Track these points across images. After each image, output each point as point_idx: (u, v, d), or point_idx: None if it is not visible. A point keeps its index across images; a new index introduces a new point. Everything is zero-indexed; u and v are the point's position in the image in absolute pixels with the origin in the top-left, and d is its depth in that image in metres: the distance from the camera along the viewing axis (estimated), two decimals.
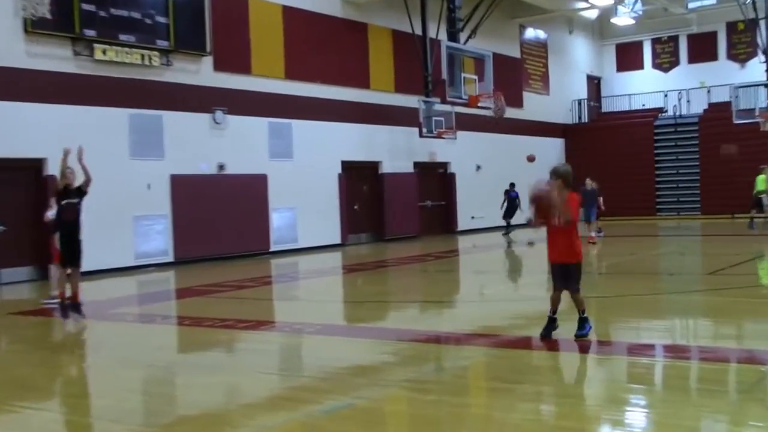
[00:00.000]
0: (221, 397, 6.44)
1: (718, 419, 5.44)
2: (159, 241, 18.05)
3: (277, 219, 20.70)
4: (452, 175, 27.17)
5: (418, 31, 24.13)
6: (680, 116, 32.52)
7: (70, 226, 11.32)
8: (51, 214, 12.35)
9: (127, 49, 17.12)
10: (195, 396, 6.45)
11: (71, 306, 10.94)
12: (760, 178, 23.03)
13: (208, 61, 19.10)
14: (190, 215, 18.49)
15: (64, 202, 11.23)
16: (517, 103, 30.12)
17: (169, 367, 7.76)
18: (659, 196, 31.99)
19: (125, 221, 17.35)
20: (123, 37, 17.01)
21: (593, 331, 7.88)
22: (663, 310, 10.20)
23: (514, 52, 30.52)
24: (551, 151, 32.91)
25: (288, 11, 21.13)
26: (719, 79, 32.36)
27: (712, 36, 34.17)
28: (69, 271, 11.23)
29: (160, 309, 12.13)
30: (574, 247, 7.73)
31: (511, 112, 28.83)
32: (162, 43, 17.83)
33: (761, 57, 29.41)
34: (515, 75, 30.19)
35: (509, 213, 24.13)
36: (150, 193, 17.86)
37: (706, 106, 32.48)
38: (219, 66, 19.36)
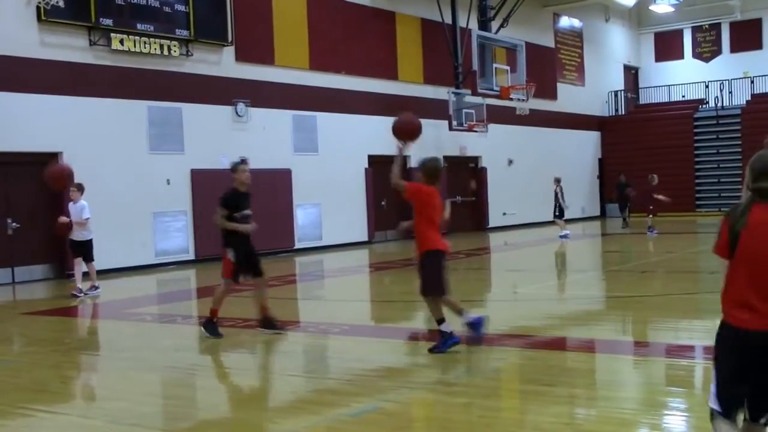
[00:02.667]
0: (244, 400, 6.37)
1: None
2: (179, 239, 17.58)
3: (301, 215, 20.16)
4: (483, 170, 26.45)
5: (448, 20, 23.60)
6: (722, 108, 31.53)
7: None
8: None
9: (145, 38, 16.61)
10: (216, 399, 6.40)
11: (265, 321, 9.16)
12: None
13: (229, 51, 18.56)
14: (211, 211, 17.78)
15: (240, 213, 8.99)
16: (551, 94, 29.36)
17: (189, 369, 7.56)
18: (699, 191, 31.08)
19: (144, 218, 16.91)
20: (141, 26, 16.49)
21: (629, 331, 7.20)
22: (703, 310, 9.91)
23: (548, 42, 29.73)
24: (587, 144, 32.12)
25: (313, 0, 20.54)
26: (764, 68, 31.39)
27: (756, 23, 33.15)
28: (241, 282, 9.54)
29: (181, 309, 12.04)
30: (421, 239, 7.41)
31: (544, 104, 28.16)
32: (182, 33, 17.28)
33: None
34: (549, 65, 29.43)
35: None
36: (169, 189, 17.42)
37: (749, 98, 31.50)
38: (241, 56, 18.81)
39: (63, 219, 12.53)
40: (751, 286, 3.66)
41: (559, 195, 21.85)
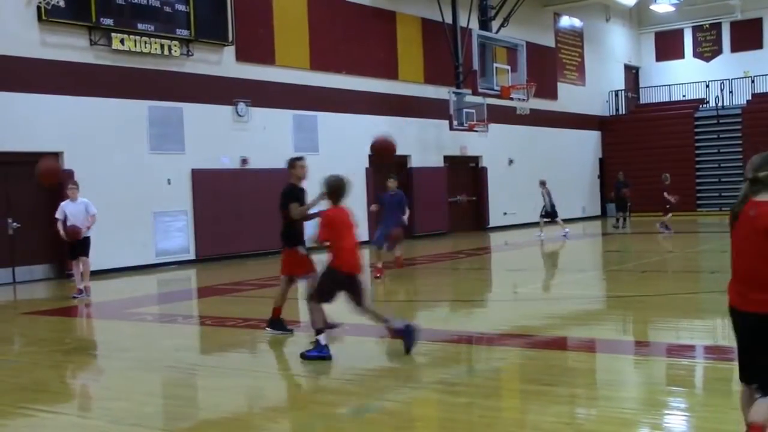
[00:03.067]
0: (244, 400, 6.34)
1: None
2: (179, 239, 17.57)
3: None
4: (484, 170, 26.42)
5: (449, 20, 23.57)
6: (722, 107, 31.49)
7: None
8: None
9: (145, 38, 16.60)
10: (217, 399, 6.31)
11: (274, 322, 9.02)
12: None
13: (230, 51, 18.54)
14: (211, 211, 17.96)
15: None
16: (552, 94, 29.34)
17: (190, 369, 7.52)
18: (699, 191, 31.03)
19: (145, 218, 16.89)
20: (141, 26, 16.48)
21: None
22: (704, 310, 9.93)
23: (549, 41, 29.70)
24: (587, 144, 32.11)
25: None
26: (764, 68, 31.36)
27: (757, 23, 33.15)
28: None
29: (181, 308, 12.00)
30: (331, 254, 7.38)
31: (545, 104, 28.14)
32: (182, 33, 17.27)
33: None
34: (549, 65, 29.40)
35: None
36: (170, 189, 17.40)
37: (749, 97, 31.43)
38: (241, 56, 18.80)
39: (74, 226, 12.17)
40: (734, 270, 4.13)
41: (545, 197, 21.99)
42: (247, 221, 18.59)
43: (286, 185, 8.93)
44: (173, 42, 17.12)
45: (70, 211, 12.25)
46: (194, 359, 8.12)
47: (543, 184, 22.16)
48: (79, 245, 12.39)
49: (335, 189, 7.53)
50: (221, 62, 18.41)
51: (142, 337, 9.40)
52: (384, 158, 8.32)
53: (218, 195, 18.12)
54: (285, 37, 19.80)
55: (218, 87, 18.23)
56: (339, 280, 7.36)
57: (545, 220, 21.97)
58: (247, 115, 18.83)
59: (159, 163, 17.11)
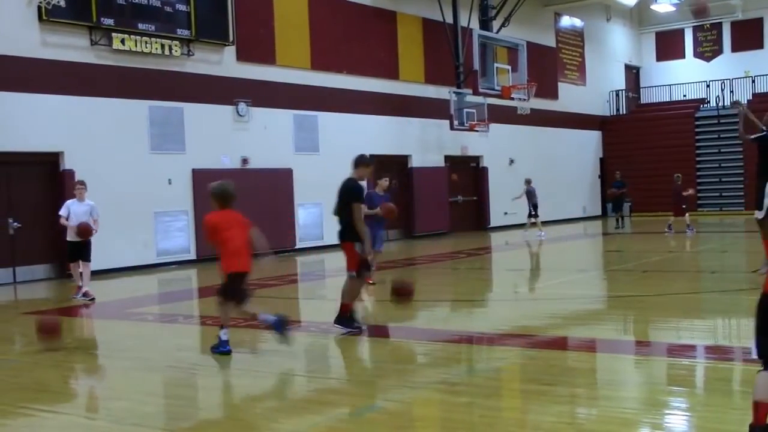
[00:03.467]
0: (245, 400, 6.32)
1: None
2: (180, 238, 17.58)
3: (302, 215, 20.14)
4: (484, 170, 26.41)
5: (449, 20, 23.54)
6: (723, 107, 31.38)
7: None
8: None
9: (146, 38, 16.59)
10: (218, 399, 6.36)
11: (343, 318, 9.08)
12: None
13: (230, 51, 18.54)
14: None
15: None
16: (552, 94, 29.34)
17: (190, 369, 7.52)
18: (700, 191, 30.99)
19: (145, 217, 16.88)
20: (142, 26, 16.47)
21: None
22: (704, 310, 9.95)
23: (549, 41, 29.69)
24: (588, 144, 32.10)
25: None
26: (765, 68, 31.32)
27: (757, 23, 33.16)
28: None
29: (182, 308, 12.01)
30: (222, 264, 7.79)
31: (545, 104, 28.13)
32: (183, 32, 17.27)
33: None
34: (550, 65, 29.39)
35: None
36: (171, 189, 17.41)
37: (750, 97, 31.32)
38: (242, 56, 18.80)
39: (86, 224, 11.90)
40: None
41: (529, 195, 22.23)
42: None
43: (351, 181, 8.97)
44: (174, 42, 17.12)
45: (74, 210, 12.00)
46: (195, 359, 8.11)
47: (528, 182, 22.35)
48: (83, 248, 12.08)
49: (220, 194, 7.87)
50: (222, 62, 18.41)
51: (143, 337, 9.40)
52: (403, 300, 9.05)
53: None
54: (286, 37, 19.80)
55: (219, 87, 18.23)
56: (234, 280, 7.79)
57: (532, 221, 22.23)
58: (248, 115, 18.83)
59: (160, 163, 17.11)
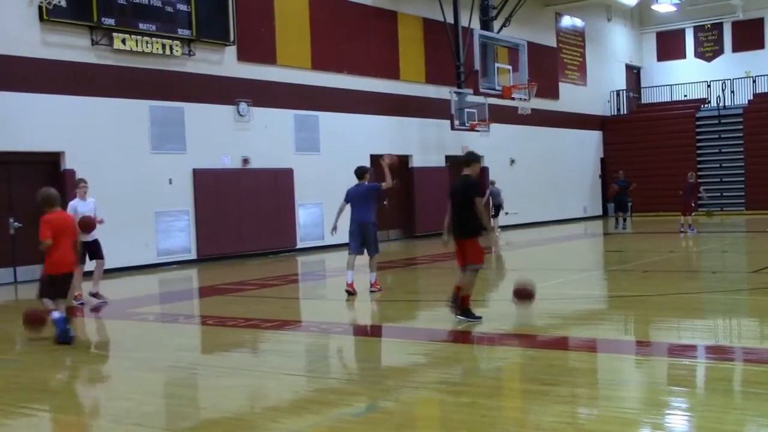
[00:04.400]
0: (245, 400, 6.31)
1: (762, 423, 5.24)
2: (181, 238, 17.57)
3: (303, 215, 20.13)
4: (485, 170, 26.37)
5: (450, 20, 23.54)
6: (724, 107, 31.43)
7: None
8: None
9: (147, 38, 16.59)
10: (218, 399, 6.31)
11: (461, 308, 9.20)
12: None
13: (231, 50, 18.53)
14: (213, 211, 17.97)
15: None
16: (553, 94, 29.32)
17: (191, 369, 7.53)
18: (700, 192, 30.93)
19: (146, 217, 16.90)
20: (143, 26, 16.47)
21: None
22: (705, 310, 9.96)
23: (550, 41, 29.67)
24: (588, 144, 32.09)
25: None
26: (766, 68, 31.28)
27: (758, 23, 33.13)
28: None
29: (183, 308, 12.00)
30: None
31: (546, 104, 28.12)
32: (184, 32, 17.27)
33: None
34: (551, 65, 29.36)
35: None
36: (171, 188, 17.39)
37: (751, 97, 31.40)
38: (243, 56, 18.80)
39: (87, 216, 11.59)
40: None
41: (490, 196, 23.12)
42: (248, 221, 18.59)
43: (470, 178, 9.18)
44: (175, 42, 17.12)
45: (81, 210, 11.87)
46: (195, 359, 8.12)
47: (492, 183, 23.63)
48: (94, 247, 11.99)
49: (45, 198, 8.86)
50: (223, 62, 18.41)
51: (144, 337, 9.41)
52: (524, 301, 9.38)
53: (219, 195, 18.12)
54: (286, 37, 19.80)
55: (220, 87, 18.23)
56: (55, 280, 8.67)
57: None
58: (249, 115, 18.83)
59: (160, 163, 17.11)
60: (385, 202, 22.50)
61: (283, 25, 19.73)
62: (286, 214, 19.63)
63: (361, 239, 11.53)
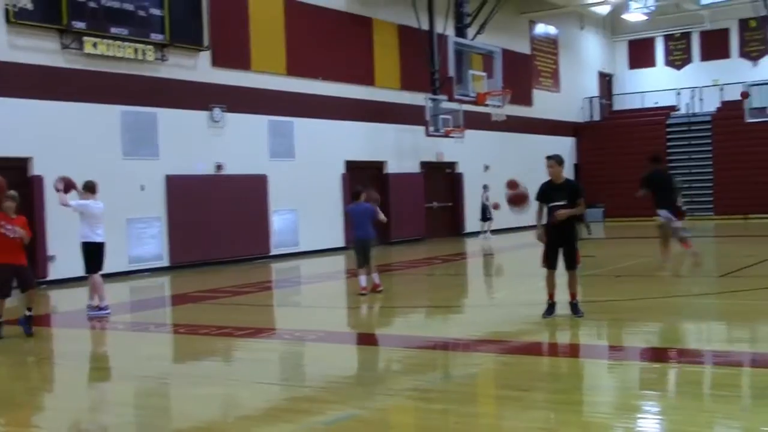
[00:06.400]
0: (218, 409, 6.27)
1: (731, 425, 5.38)
2: (153, 245, 17.35)
3: (277, 221, 19.99)
4: (460, 176, 26.44)
5: (425, 26, 23.53)
6: (693, 114, 31.86)
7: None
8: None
9: (119, 42, 16.37)
10: (190, 408, 6.25)
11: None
12: None
13: (205, 56, 18.38)
14: (186, 218, 17.77)
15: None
16: (527, 101, 29.45)
17: (162, 378, 7.46)
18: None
19: (118, 224, 16.57)
20: (114, 30, 16.27)
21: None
22: (675, 314, 10.06)
23: (524, 49, 29.84)
24: (562, 150, 32.04)
25: (290, 4, 20.45)
26: (732, 76, 31.75)
27: (724, 33, 33.69)
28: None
29: (154, 316, 11.84)
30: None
31: (520, 111, 28.23)
32: (156, 37, 17.07)
33: None
34: (525, 72, 29.50)
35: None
36: (144, 195, 17.18)
37: (719, 105, 31.81)
38: (217, 61, 18.66)
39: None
40: None
41: (484, 201, 23.74)
42: (222, 228, 18.41)
43: (574, 181, 10.08)
44: (147, 46, 16.91)
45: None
46: (166, 368, 8.02)
47: (485, 188, 24.10)
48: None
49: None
50: (196, 67, 18.24)
51: (114, 347, 9.31)
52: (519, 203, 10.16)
53: (193, 201, 17.92)
54: (261, 43, 19.67)
55: (193, 92, 18.05)
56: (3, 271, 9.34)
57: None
58: (223, 121, 18.67)
59: (132, 169, 16.87)
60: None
61: (258, 30, 19.61)
62: (260, 220, 19.47)
63: (365, 253, 12.23)
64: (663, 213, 13.49)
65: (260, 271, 17.42)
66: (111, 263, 16.21)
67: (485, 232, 24.22)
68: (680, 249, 13.87)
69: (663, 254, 13.66)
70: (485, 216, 24.27)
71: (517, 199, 10.15)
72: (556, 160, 9.54)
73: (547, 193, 9.40)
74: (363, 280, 12.14)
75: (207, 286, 14.39)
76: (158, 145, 17.43)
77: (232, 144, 18.87)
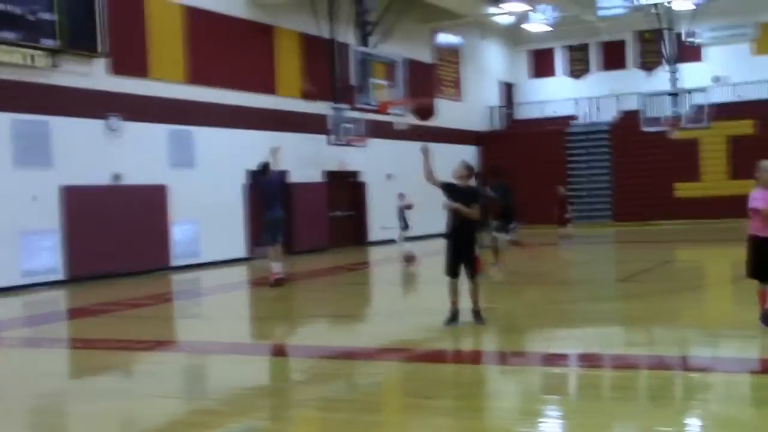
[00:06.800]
0: (116, 426, 6.13)
1: (628, 426, 5.60)
2: (47, 258, 16.74)
3: (178, 232, 19.59)
4: (363, 185, 26.54)
5: (327, 35, 23.49)
6: (592, 124, 32.91)
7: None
8: None
9: (6, 47, 15.71)
10: (87, 426, 6.13)
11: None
12: None
13: (100, 62, 17.87)
14: (83, 229, 17.23)
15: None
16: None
17: (57, 395, 7.25)
18: (571, 204, 32.12)
19: (9, 237, 15.99)
20: (1, 34, 15.59)
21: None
22: (574, 319, 10.40)
23: (427, 58, 30.18)
24: (466, 158, 32.67)
25: (189, 11, 20.10)
26: (629, 87, 32.96)
27: (621, 45, 34.98)
28: None
29: (48, 331, 11.49)
30: None
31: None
32: (47, 42, 16.48)
33: (666, 66, 29.91)
34: (428, 81, 29.82)
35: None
36: (36, 206, 16.55)
37: (616, 114, 32.97)
38: (113, 68, 18.18)
39: None
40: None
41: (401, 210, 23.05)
42: (121, 239, 17.93)
43: (476, 187, 10.22)
44: (37, 52, 16.30)
45: None
46: (61, 385, 7.79)
47: (402, 197, 23.12)
48: None
49: None
50: (91, 74, 17.70)
51: (3, 364, 8.92)
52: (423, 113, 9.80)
53: (90, 212, 17.40)
54: (159, 50, 19.28)
55: (89, 100, 17.53)
56: None
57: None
58: (120, 130, 18.21)
59: (24, 180, 16.26)
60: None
61: (156, 37, 19.22)
62: (159, 231, 19.06)
63: (275, 231, 13.12)
64: (495, 224, 14.21)
65: (161, 283, 17.09)
66: (1, 277, 15.74)
67: (401, 239, 23.98)
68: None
69: (498, 262, 14.18)
70: (405, 224, 23.95)
71: (422, 109, 10.51)
72: (464, 167, 10.35)
73: (450, 190, 10.20)
74: (275, 266, 12.32)
75: (105, 299, 14.02)
76: (52, 155, 16.86)
77: (131, 153, 18.42)
